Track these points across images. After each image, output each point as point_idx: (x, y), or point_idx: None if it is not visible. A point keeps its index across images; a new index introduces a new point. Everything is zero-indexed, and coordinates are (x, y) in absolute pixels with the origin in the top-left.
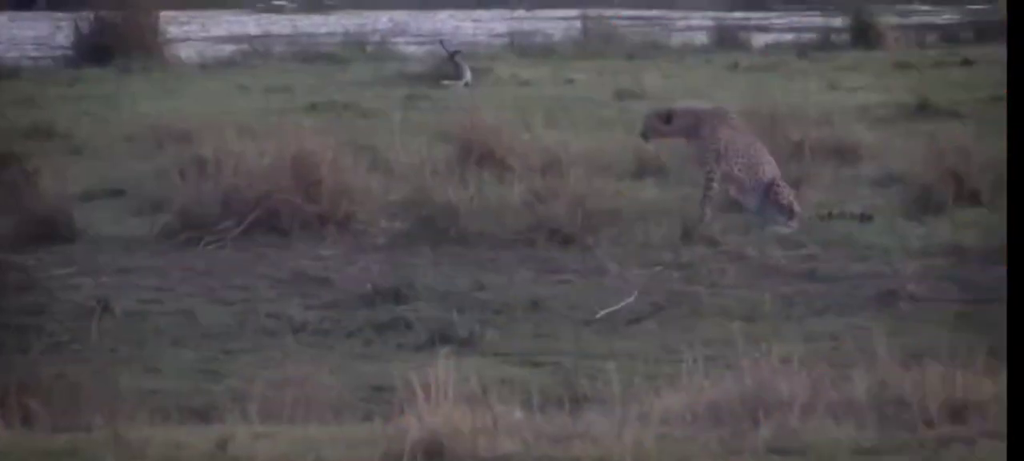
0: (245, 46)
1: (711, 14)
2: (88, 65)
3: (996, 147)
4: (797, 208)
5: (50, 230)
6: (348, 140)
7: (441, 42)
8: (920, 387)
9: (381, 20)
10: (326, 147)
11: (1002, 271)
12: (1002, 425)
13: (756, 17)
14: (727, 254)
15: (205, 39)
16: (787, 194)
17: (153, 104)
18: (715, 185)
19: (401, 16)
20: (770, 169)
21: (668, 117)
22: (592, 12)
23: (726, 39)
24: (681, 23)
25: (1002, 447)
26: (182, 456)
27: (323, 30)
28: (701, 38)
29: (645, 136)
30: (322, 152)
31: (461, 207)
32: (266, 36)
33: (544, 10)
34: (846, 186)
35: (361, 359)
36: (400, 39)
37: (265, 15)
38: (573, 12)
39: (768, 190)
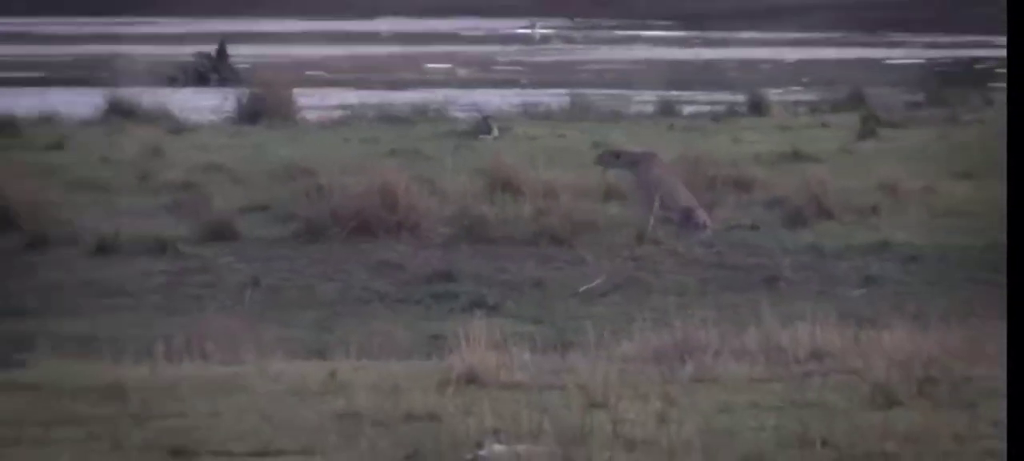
0: (348, 112)
1: (655, 93)
2: (244, 123)
3: (844, 181)
4: (709, 221)
5: (219, 232)
6: (415, 175)
7: (477, 110)
8: (792, 339)
9: (438, 94)
10: (401, 179)
11: (851, 263)
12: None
13: (686, 95)
14: (666, 251)
15: (321, 106)
16: (701, 214)
17: (287, 150)
18: (656, 204)
19: (452, 92)
20: (685, 198)
21: (617, 155)
22: (577, 90)
23: (665, 109)
24: (636, 98)
25: (846, 380)
26: (306, 381)
27: (400, 101)
28: (649, 109)
29: (601, 164)
30: (399, 182)
31: (490, 218)
32: (362, 105)
33: (545, 89)
34: (744, 207)
35: (423, 318)
36: (451, 107)
37: (362, 90)
38: (564, 91)
39: (685, 212)
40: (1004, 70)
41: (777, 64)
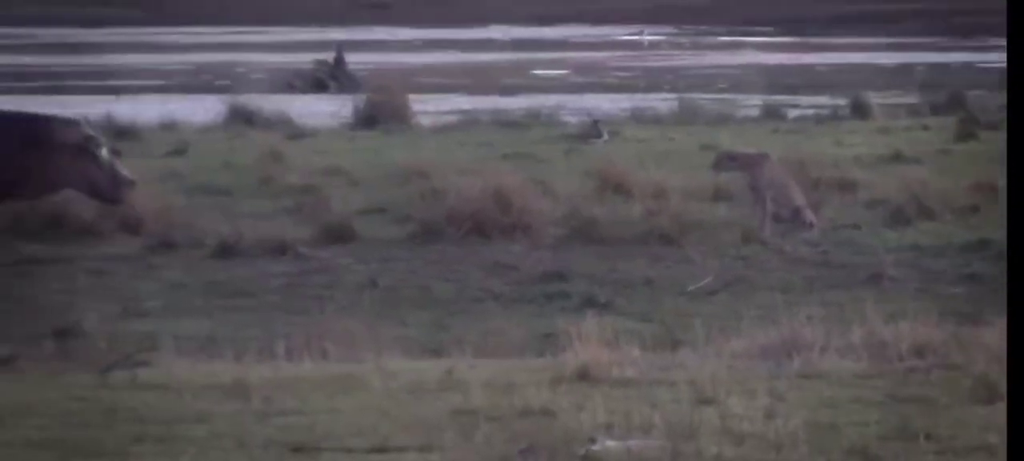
0: (463, 117)
1: (761, 97)
2: (362, 128)
3: (944, 182)
4: (815, 221)
5: (338, 234)
6: (529, 177)
7: (588, 114)
8: (895, 335)
9: (550, 100)
10: (515, 182)
11: (951, 261)
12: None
13: (790, 99)
14: (772, 250)
15: (436, 112)
16: (809, 213)
17: (403, 153)
18: (770, 206)
19: (564, 97)
20: (797, 197)
21: (733, 158)
22: (685, 95)
23: (770, 113)
24: (743, 102)
25: (948, 376)
26: (422, 379)
27: (514, 106)
28: (754, 112)
29: (716, 168)
30: (513, 185)
31: (601, 219)
32: (475, 110)
33: (654, 93)
34: (847, 207)
35: (537, 317)
36: (562, 112)
37: (475, 96)
38: (673, 95)
39: (796, 211)
40: None
41: (877, 68)
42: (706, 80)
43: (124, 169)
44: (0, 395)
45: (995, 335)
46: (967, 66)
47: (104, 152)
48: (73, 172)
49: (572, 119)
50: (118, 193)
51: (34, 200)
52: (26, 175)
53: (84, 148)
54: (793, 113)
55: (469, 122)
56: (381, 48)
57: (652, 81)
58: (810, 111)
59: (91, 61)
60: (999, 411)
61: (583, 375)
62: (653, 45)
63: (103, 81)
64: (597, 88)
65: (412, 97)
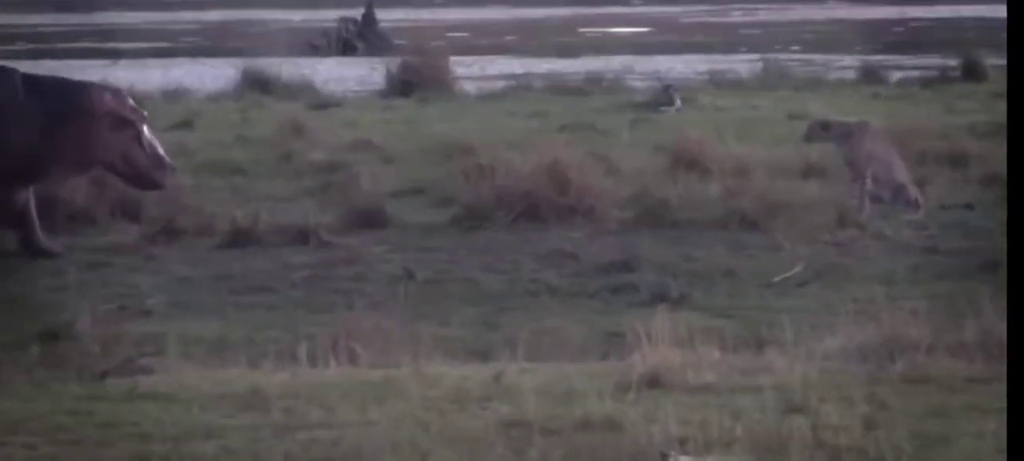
0: (513, 82)
1: (859, 57)
2: (396, 96)
3: None
4: (922, 200)
5: (369, 218)
6: (590, 151)
7: (658, 78)
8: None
9: (614, 62)
10: (574, 157)
11: None
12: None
13: (892, 59)
14: (871, 234)
15: (483, 77)
16: (913, 191)
17: (444, 125)
18: (869, 183)
19: (629, 59)
20: (900, 173)
21: (826, 126)
22: (771, 56)
23: (870, 76)
24: (836, 64)
25: None
26: (467, 385)
27: (571, 70)
28: (851, 75)
29: (808, 139)
30: (571, 160)
31: (673, 201)
32: (528, 74)
33: (735, 54)
34: (957, 184)
35: (600, 314)
36: (628, 76)
37: (528, 58)
38: (756, 56)
39: (899, 188)
40: None
41: (993, 23)
42: (794, 37)
43: (161, 149)
44: None
45: None
46: None
47: (147, 129)
48: (111, 149)
49: (639, 84)
50: (160, 177)
51: (62, 182)
52: (57, 151)
53: (127, 121)
54: (895, 75)
55: (520, 88)
56: (418, 3)
57: (732, 39)
58: (915, 73)
59: (82, 20)
60: None
61: (653, 381)
62: None
63: (97, 43)
64: (668, 48)
65: (454, 59)
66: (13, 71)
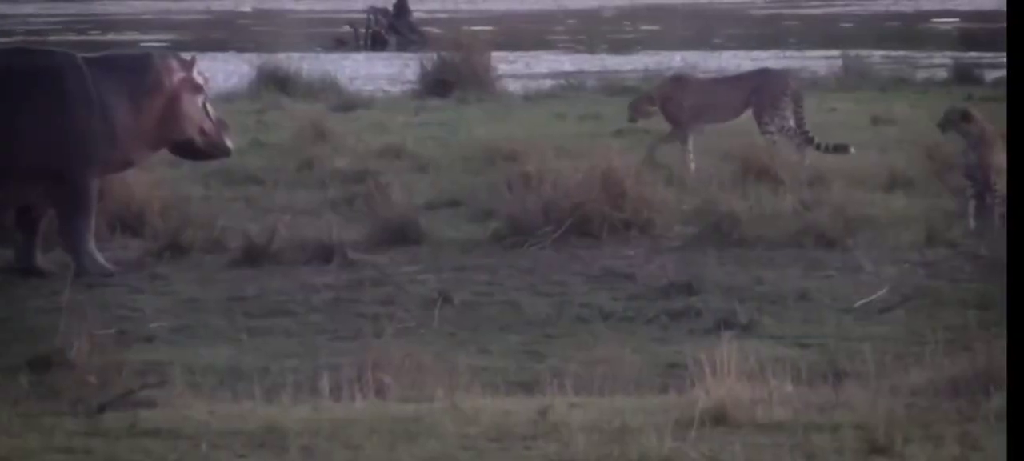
0: (562, 81)
1: (950, 54)
2: (431, 97)
3: None
4: None
5: (400, 234)
6: (647, 160)
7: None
8: None
9: (675, 59)
10: (629, 165)
11: None
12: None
13: (988, 57)
14: (964, 254)
15: (528, 75)
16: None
17: (485, 129)
18: (988, 200)
19: (692, 55)
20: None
21: (967, 117)
22: (851, 52)
23: (963, 75)
24: (925, 62)
25: None
26: (509, 422)
27: (627, 68)
28: (941, 74)
29: (944, 127)
30: (626, 169)
31: (742, 215)
32: (580, 73)
33: (812, 50)
34: None
35: (658, 341)
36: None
37: (579, 55)
38: (835, 52)
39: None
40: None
41: None
42: (876, 32)
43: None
44: None
45: None
46: None
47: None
48: (190, 120)
49: None
50: (228, 142)
51: (140, 164)
52: (138, 132)
53: (198, 87)
54: (992, 75)
55: (571, 88)
56: None
57: (807, 33)
58: None
59: (79, 9)
60: None
61: (719, 417)
62: None
63: (95, 35)
64: (735, 42)
65: (496, 56)
66: (74, 55)
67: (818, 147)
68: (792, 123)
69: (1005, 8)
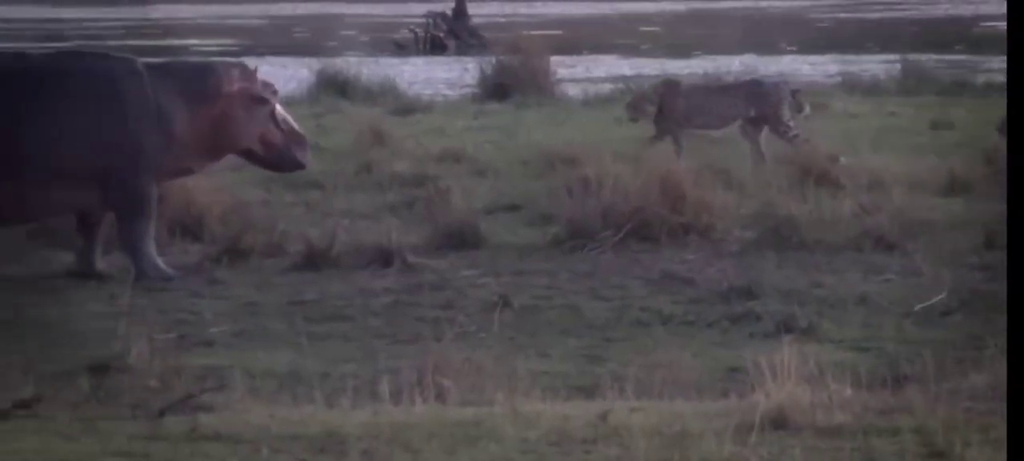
0: (621, 85)
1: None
2: (490, 101)
3: None
4: None
5: (459, 238)
6: (706, 163)
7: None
8: None
9: (734, 63)
10: (689, 170)
11: None
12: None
13: None
14: None
15: (587, 79)
16: None
17: (544, 133)
18: None
19: (750, 59)
20: None
21: None
22: (910, 56)
23: None
24: (984, 66)
25: None
26: (569, 426)
27: (685, 72)
28: (1000, 78)
29: (1002, 131)
30: (685, 174)
31: (800, 219)
32: (638, 76)
33: (870, 55)
34: None
35: (718, 346)
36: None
37: (637, 59)
38: (894, 56)
39: None
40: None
41: None
42: (936, 36)
43: (296, 124)
44: (21, 447)
45: None
46: None
47: (279, 105)
48: (248, 131)
49: None
50: (301, 155)
51: (199, 170)
52: (192, 140)
53: (260, 99)
54: None
55: (629, 91)
56: None
57: (866, 36)
58: None
59: (137, 14)
60: None
61: (778, 421)
62: None
63: (152, 40)
64: (794, 46)
65: (555, 59)
66: (134, 60)
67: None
68: (793, 131)
69: None
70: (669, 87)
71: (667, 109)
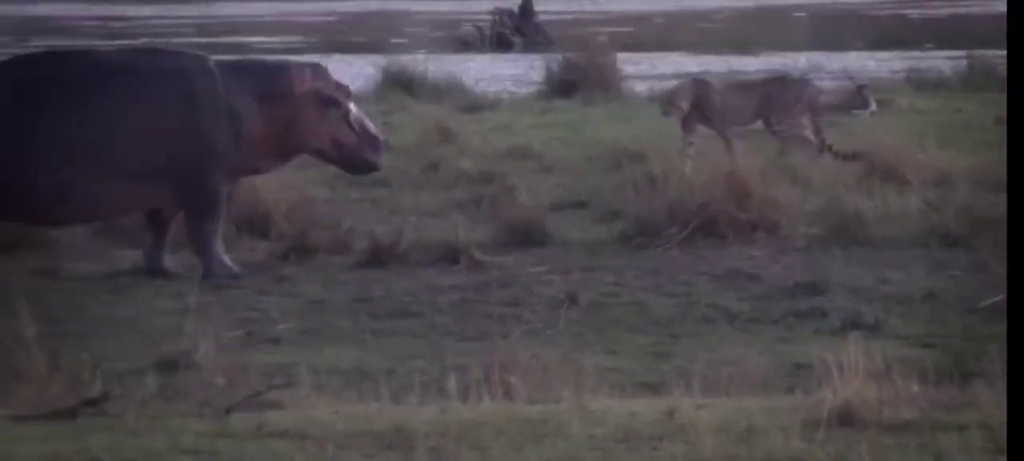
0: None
1: None
2: (556, 97)
3: None
4: None
5: (526, 235)
6: (772, 160)
7: (850, 77)
8: None
9: (800, 60)
10: (755, 165)
11: None
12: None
13: None
14: None
15: (654, 76)
16: None
17: (611, 130)
18: None
19: (817, 56)
20: None
21: None
22: (977, 52)
23: None
24: None
25: None
26: (636, 423)
27: (752, 68)
28: None
29: None
30: (751, 169)
31: (867, 215)
32: (704, 73)
33: (936, 51)
34: None
35: (785, 342)
36: (816, 75)
37: (703, 55)
38: (960, 52)
39: None
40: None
41: None
42: (1001, 31)
43: (372, 125)
44: (89, 445)
45: None
46: None
47: (353, 106)
48: (319, 133)
49: (829, 84)
50: (375, 157)
51: (269, 170)
52: (261, 140)
53: (333, 100)
54: None
55: None
56: None
57: (931, 33)
58: None
59: (201, 12)
60: None
61: (845, 418)
62: None
63: (218, 37)
64: (859, 42)
65: (621, 57)
66: (206, 58)
67: (836, 155)
68: (808, 131)
69: None
70: (699, 85)
71: (696, 106)
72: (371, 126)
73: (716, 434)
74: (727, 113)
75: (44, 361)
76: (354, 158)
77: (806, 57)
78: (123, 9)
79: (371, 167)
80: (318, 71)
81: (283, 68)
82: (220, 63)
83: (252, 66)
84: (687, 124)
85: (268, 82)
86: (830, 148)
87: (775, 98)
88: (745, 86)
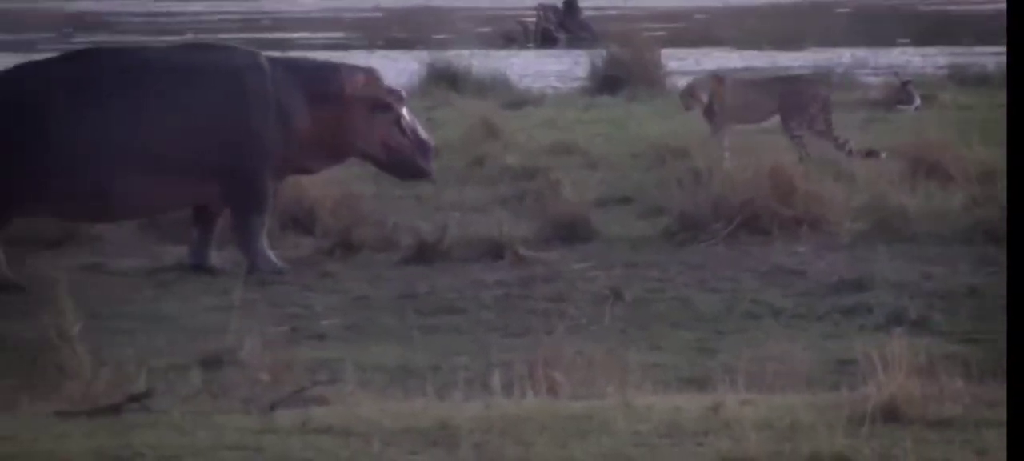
0: None
1: None
2: (601, 94)
3: None
4: None
5: (570, 231)
6: (817, 156)
7: (895, 73)
8: None
9: (845, 55)
10: (799, 161)
11: None
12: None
13: None
14: None
15: (698, 71)
16: None
17: (655, 126)
18: None
19: (862, 52)
20: None
21: None
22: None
23: None
24: None
25: None
26: (680, 418)
27: (797, 63)
28: None
29: None
30: (795, 165)
31: (911, 211)
32: (748, 68)
33: (980, 47)
34: None
35: (829, 338)
36: (860, 71)
37: (747, 51)
38: (1003, 48)
39: None
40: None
41: None
42: None
43: (424, 131)
44: (133, 441)
45: None
46: None
47: (406, 111)
48: (370, 136)
49: (873, 79)
50: (425, 163)
51: (318, 171)
52: (311, 141)
53: (384, 105)
54: None
55: None
56: None
57: (976, 28)
58: None
59: (246, 7)
60: None
61: (890, 414)
62: None
63: (262, 33)
64: (903, 38)
65: (666, 52)
66: (257, 54)
67: (850, 154)
68: (821, 128)
69: None
70: (717, 80)
71: (714, 102)
72: (423, 132)
73: (761, 430)
74: (742, 110)
75: (89, 357)
76: (404, 163)
77: (850, 53)
78: (168, 4)
79: (422, 173)
80: (370, 75)
81: (335, 69)
82: (272, 59)
83: (304, 65)
84: (712, 119)
85: (319, 82)
86: (845, 146)
87: (791, 97)
88: (760, 83)
